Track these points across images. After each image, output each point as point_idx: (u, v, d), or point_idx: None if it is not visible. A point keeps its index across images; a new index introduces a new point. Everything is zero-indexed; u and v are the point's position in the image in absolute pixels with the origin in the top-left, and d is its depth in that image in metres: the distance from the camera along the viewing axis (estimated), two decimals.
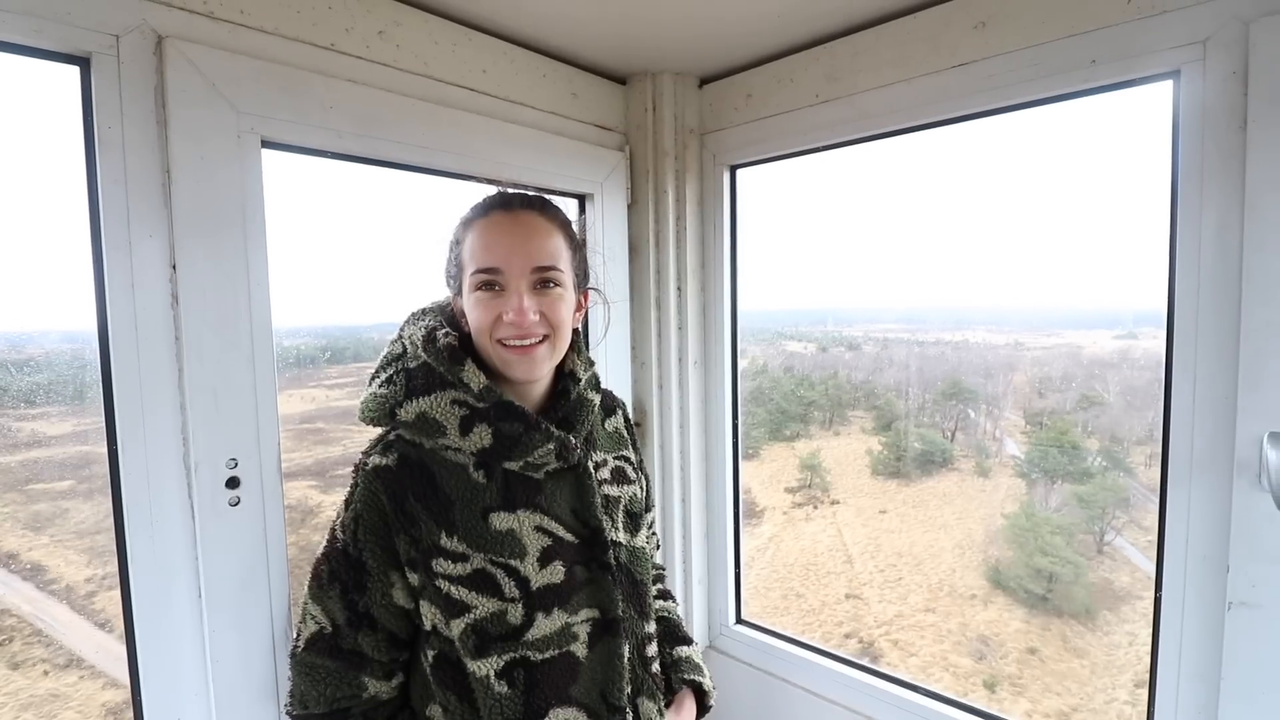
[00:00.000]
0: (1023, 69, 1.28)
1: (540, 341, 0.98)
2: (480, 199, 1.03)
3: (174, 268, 1.04)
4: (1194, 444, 1.14)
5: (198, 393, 1.06)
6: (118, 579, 1.05)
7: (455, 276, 1.03)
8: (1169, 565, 1.18)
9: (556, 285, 0.99)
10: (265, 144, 1.14)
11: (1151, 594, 1.23)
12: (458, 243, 1.02)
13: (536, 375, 1.00)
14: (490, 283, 0.96)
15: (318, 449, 1.97)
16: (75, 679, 1.40)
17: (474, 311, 0.97)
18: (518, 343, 0.96)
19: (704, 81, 1.83)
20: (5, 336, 1.35)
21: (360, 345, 1.96)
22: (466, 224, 1.01)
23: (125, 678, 1.06)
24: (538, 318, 0.96)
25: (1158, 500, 1.21)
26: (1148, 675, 1.24)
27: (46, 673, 1.39)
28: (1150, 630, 1.23)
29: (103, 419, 1.03)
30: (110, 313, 1.00)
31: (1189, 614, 1.16)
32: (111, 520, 1.04)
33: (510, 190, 1.04)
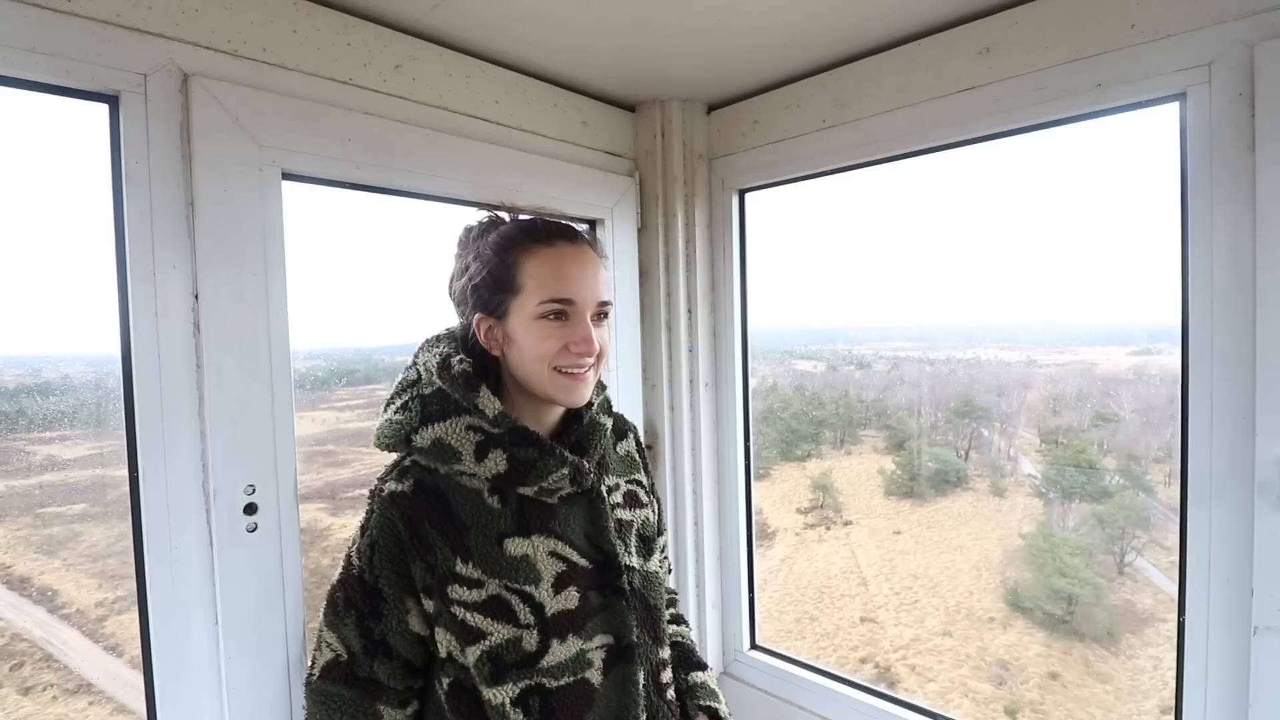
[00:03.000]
0: (1027, 93, 1.30)
1: (590, 368, 1.00)
2: (523, 222, 1.02)
3: (196, 297, 1.06)
4: (1213, 465, 1.13)
5: (217, 420, 1.08)
6: (128, 603, 1.06)
7: (498, 300, 0.99)
8: (1192, 589, 1.16)
9: (607, 317, 1.03)
10: (285, 176, 1.17)
11: (1174, 617, 1.20)
12: (505, 265, 0.98)
13: (584, 399, 1.02)
14: (561, 312, 0.96)
15: (328, 471, 1.98)
16: (84, 704, 1.40)
17: (534, 338, 0.96)
18: (573, 370, 0.98)
19: (712, 108, 1.86)
20: (24, 360, 1.37)
21: (371, 367, 1.97)
22: (517, 246, 0.98)
23: (133, 703, 1.06)
24: (598, 348, 0.99)
25: (1178, 522, 1.19)
26: (1173, 701, 1.21)
27: (55, 698, 1.39)
28: (1175, 655, 1.20)
29: (124, 446, 1.05)
30: (134, 341, 1.02)
31: (1214, 639, 1.14)
32: (124, 544, 1.05)
33: (556, 220, 1.04)
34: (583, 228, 1.08)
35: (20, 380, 1.38)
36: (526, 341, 0.97)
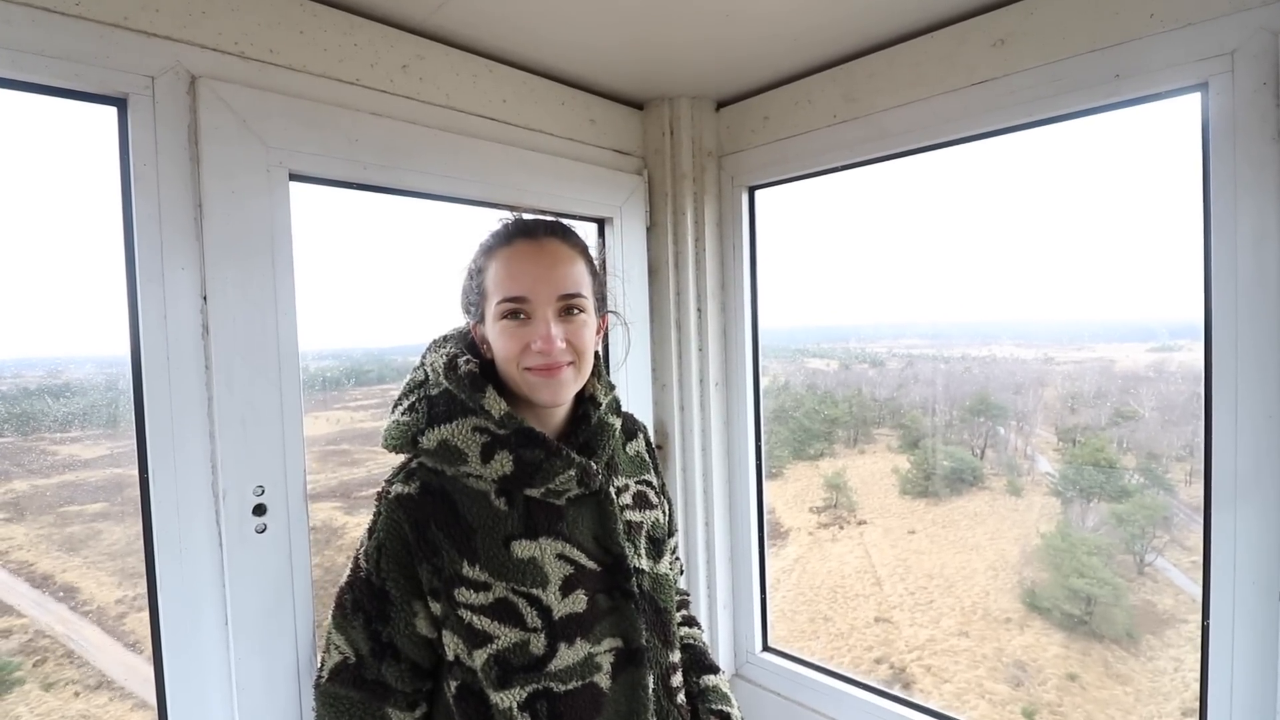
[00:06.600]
0: (1044, 85, 1.27)
1: (566, 365, 0.97)
2: (499, 226, 1.03)
3: (205, 299, 1.07)
4: (1238, 464, 1.10)
5: (227, 421, 1.08)
6: (147, 603, 1.06)
7: (477, 304, 1.02)
8: (1216, 591, 1.13)
9: (581, 311, 0.99)
10: (293, 177, 1.17)
11: (1196, 618, 1.18)
12: (480, 270, 1.01)
13: (562, 399, 1.00)
14: (516, 311, 0.96)
15: (342, 470, 1.99)
16: (105, 700, 1.42)
17: (500, 340, 0.97)
18: (542, 369, 0.96)
19: (721, 104, 1.84)
20: (39, 362, 1.39)
21: (383, 368, 1.98)
22: (488, 251, 1.01)
23: (153, 700, 1.07)
24: (564, 345, 0.96)
25: (1202, 523, 1.16)
26: (1196, 704, 1.18)
27: (77, 694, 1.40)
28: (1199, 658, 1.17)
29: (134, 447, 1.05)
30: (143, 343, 1.02)
31: (1239, 643, 1.11)
32: (141, 543, 1.06)
33: (531, 217, 1.05)
34: (584, 225, 1.07)
35: (41, 381, 1.40)
36: (496, 344, 0.98)
